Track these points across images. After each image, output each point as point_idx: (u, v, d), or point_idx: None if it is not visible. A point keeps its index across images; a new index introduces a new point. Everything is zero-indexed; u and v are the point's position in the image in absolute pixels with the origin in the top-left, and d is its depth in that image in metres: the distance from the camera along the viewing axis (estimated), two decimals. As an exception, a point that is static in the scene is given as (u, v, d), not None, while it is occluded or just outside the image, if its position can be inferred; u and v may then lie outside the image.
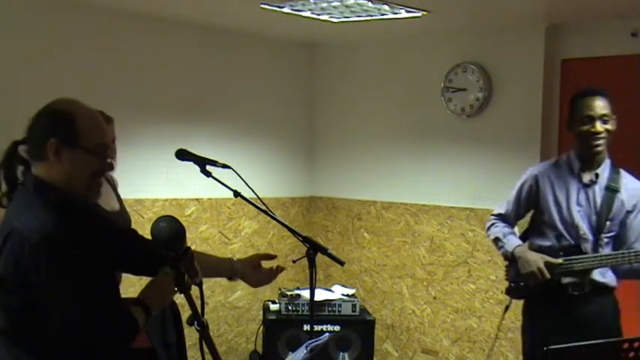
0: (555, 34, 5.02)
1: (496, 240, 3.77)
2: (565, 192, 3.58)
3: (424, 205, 5.58)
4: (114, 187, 3.67)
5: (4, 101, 4.36)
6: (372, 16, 4.78)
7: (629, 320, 4.65)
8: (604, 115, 3.49)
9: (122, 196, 3.75)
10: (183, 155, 2.90)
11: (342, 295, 5.31)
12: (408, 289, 5.70)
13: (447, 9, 4.66)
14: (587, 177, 3.57)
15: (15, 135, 2.46)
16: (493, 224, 3.82)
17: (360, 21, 4.95)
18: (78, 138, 2.31)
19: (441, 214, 5.45)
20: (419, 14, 4.66)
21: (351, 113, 6.02)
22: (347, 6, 4.56)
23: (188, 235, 2.54)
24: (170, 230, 2.41)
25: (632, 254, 3.41)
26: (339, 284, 5.60)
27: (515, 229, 3.85)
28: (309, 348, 2.42)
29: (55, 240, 2.22)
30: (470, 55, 5.31)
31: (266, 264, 2.93)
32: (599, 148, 3.52)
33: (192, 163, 2.88)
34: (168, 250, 2.41)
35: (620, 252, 3.46)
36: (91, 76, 4.78)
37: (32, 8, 4.53)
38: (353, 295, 5.36)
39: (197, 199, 5.44)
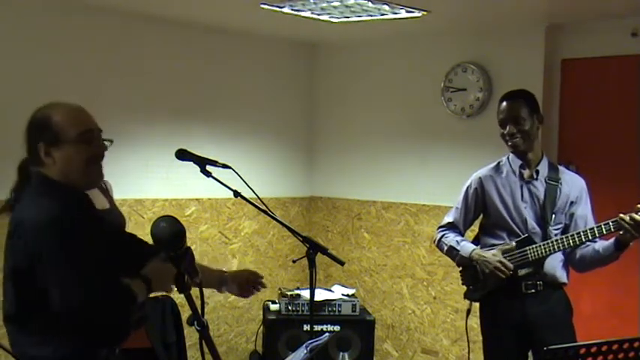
0: (555, 34, 5.02)
1: (450, 249, 3.78)
2: (509, 190, 3.67)
3: (424, 205, 5.58)
4: (104, 189, 3.66)
5: (4, 101, 4.36)
6: (372, 16, 4.78)
7: (629, 320, 4.65)
8: (516, 117, 3.59)
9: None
10: (183, 155, 2.90)
11: (342, 295, 5.31)
12: (408, 289, 5.70)
13: (447, 9, 4.66)
14: (527, 174, 3.67)
15: (14, 133, 2.53)
16: (443, 235, 3.83)
17: (360, 21, 4.95)
18: (58, 135, 2.46)
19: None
20: (419, 14, 4.66)
21: (351, 113, 6.02)
22: (347, 6, 4.56)
23: (188, 235, 2.55)
24: (170, 230, 2.42)
25: (582, 234, 3.44)
26: (339, 284, 5.60)
27: (466, 236, 3.87)
28: (309, 348, 2.42)
29: (55, 220, 2.37)
30: (470, 55, 5.31)
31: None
32: (516, 148, 3.62)
33: (192, 163, 2.89)
34: (169, 251, 2.42)
35: (567, 235, 3.51)
36: (91, 76, 4.78)
37: (32, 9, 4.53)
38: (353, 295, 5.36)
39: (197, 199, 5.44)
